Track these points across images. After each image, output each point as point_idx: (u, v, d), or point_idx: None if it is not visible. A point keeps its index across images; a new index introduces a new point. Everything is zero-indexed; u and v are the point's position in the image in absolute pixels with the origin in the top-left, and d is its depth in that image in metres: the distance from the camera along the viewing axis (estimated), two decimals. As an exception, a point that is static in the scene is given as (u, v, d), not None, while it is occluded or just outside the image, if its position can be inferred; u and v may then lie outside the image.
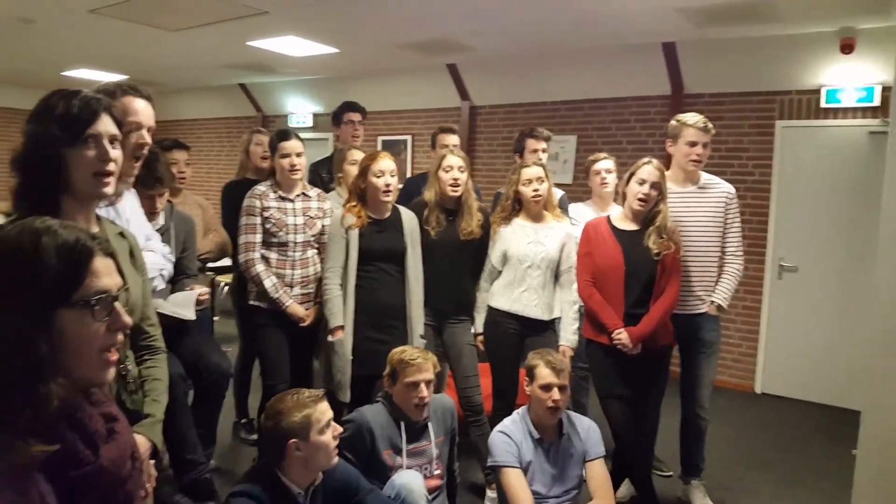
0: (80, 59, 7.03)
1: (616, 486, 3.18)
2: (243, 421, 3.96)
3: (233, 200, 3.68)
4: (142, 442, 1.56)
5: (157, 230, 2.80)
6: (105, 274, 1.08)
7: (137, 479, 1.18)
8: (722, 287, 3.20)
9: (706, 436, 3.32)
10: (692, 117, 3.14)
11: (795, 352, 5.18)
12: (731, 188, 3.24)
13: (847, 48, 4.61)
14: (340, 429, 2.18)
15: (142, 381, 1.71)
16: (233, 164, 4.06)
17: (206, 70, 7.50)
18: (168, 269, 2.56)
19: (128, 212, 2.06)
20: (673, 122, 3.20)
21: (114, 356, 1.09)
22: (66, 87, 1.54)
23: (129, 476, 1.14)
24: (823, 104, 4.93)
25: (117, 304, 1.09)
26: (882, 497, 2.45)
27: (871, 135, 4.74)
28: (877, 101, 4.70)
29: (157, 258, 2.46)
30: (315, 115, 8.18)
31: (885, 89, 4.63)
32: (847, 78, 4.81)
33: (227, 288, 6.39)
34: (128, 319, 1.11)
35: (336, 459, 2.16)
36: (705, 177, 3.24)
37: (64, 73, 7.70)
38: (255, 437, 3.79)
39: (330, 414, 2.14)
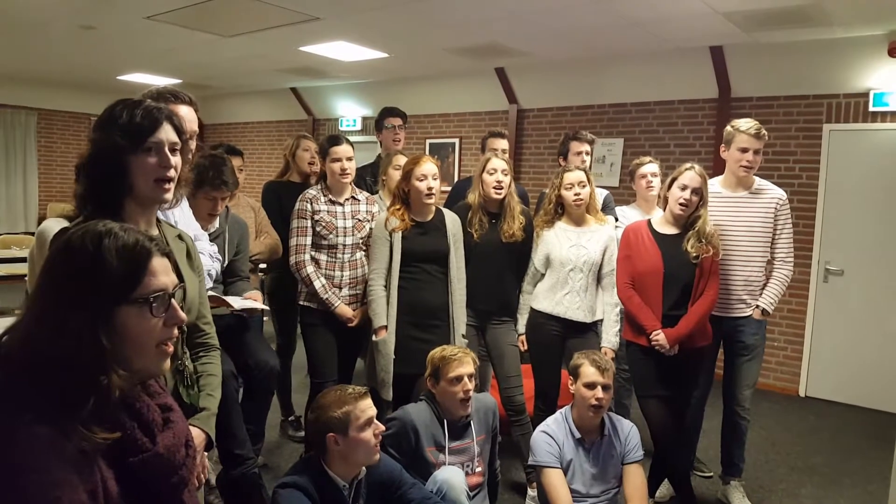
0: (135, 63, 7.27)
1: (655, 486, 3.24)
2: (291, 419, 4.06)
3: (274, 200, 3.83)
4: (197, 434, 1.64)
5: (213, 233, 2.92)
6: (162, 273, 1.14)
7: (191, 466, 1.24)
8: (769, 292, 3.22)
9: (746, 437, 3.34)
10: (746, 123, 3.15)
11: (841, 355, 5.13)
12: (782, 193, 3.24)
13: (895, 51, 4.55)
14: (383, 427, 2.23)
15: (197, 376, 1.78)
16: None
17: (258, 74, 7.70)
18: (215, 269, 2.64)
19: (176, 214, 2.13)
20: (728, 128, 3.22)
21: (170, 348, 1.17)
22: (121, 91, 1.64)
23: (182, 463, 1.20)
24: (871, 107, 4.88)
25: (173, 301, 1.16)
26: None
27: (921, 138, 4.68)
28: (926, 105, 4.64)
29: (205, 259, 2.57)
30: (364, 119, 8.33)
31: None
32: (895, 81, 4.75)
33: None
34: (183, 315, 1.17)
35: (377, 457, 2.22)
36: (758, 182, 3.25)
37: (119, 78, 7.95)
38: (302, 434, 3.89)
39: (371, 413, 2.19)
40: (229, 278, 3.04)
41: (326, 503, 2.15)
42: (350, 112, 8.50)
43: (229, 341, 2.61)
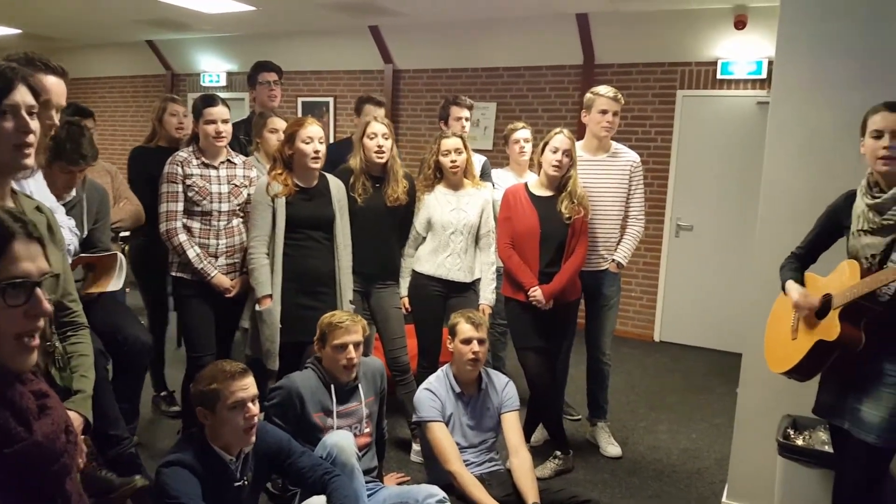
0: (-37, 10, 6.45)
1: (530, 432, 3.47)
2: (163, 394, 3.93)
3: (143, 167, 3.61)
4: (74, 417, 1.57)
5: (69, 202, 2.71)
6: (25, 259, 1.06)
7: (72, 452, 1.19)
8: (623, 247, 3.49)
9: (609, 380, 3.65)
10: (604, 88, 3.40)
11: (690, 303, 5.67)
12: (636, 157, 3.51)
13: (740, 24, 4.98)
14: (255, 411, 2.14)
15: (68, 357, 1.71)
16: (139, 125, 3.89)
17: (110, 26, 7.08)
18: (74, 244, 2.50)
19: (31, 185, 1.98)
20: (588, 95, 3.45)
21: (34, 342, 1.09)
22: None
23: (63, 450, 1.15)
24: (719, 76, 5.32)
25: (38, 290, 1.07)
26: (758, 427, 2.82)
27: (759, 105, 5.17)
28: (764, 74, 5.13)
29: (64, 233, 2.42)
30: (229, 74, 7.93)
31: (772, 63, 4.99)
32: (739, 52, 5.20)
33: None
34: (48, 306, 1.09)
35: (251, 440, 2.15)
36: (615, 146, 3.50)
37: (-56, 28, 7.05)
38: (176, 409, 3.80)
39: (244, 395, 2.09)
40: (90, 249, 2.81)
41: (213, 478, 2.10)
42: (213, 67, 8.04)
43: (95, 317, 2.47)
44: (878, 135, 2.03)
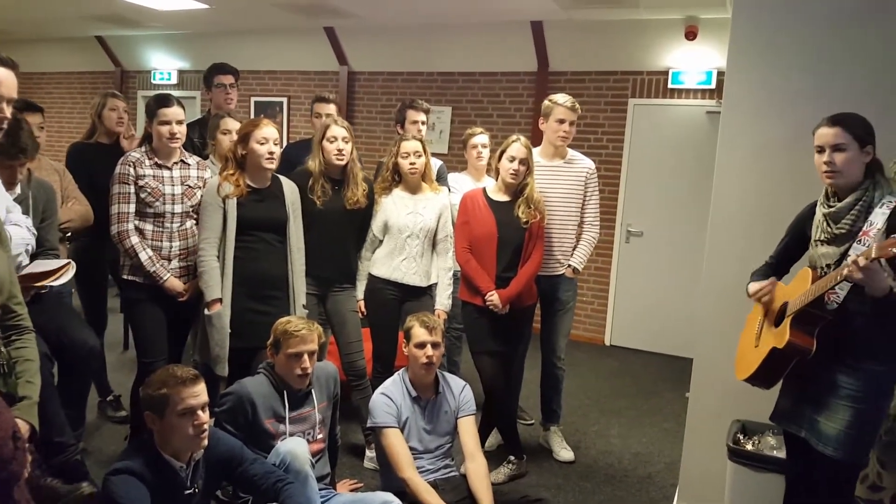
0: None
1: (485, 436, 3.47)
2: (109, 399, 3.83)
3: (82, 164, 3.55)
4: (21, 425, 1.53)
5: (15, 199, 2.62)
6: None
7: (21, 458, 1.16)
8: (579, 252, 3.55)
9: (563, 385, 3.69)
10: (562, 97, 3.44)
11: (640, 308, 5.79)
12: (591, 164, 3.58)
13: (691, 35, 5.13)
14: (205, 419, 2.10)
15: (13, 362, 1.66)
16: (87, 122, 3.83)
17: (58, 21, 6.85)
18: (32, 243, 2.42)
19: None
20: (546, 102, 3.49)
21: None
22: None
23: (12, 456, 1.12)
24: (670, 85, 5.45)
25: None
26: (709, 431, 2.88)
27: (709, 114, 5.33)
28: (714, 85, 5.28)
29: (22, 232, 2.31)
30: (181, 72, 7.70)
31: (721, 74, 5.17)
32: (690, 62, 5.35)
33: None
34: None
35: (203, 445, 2.12)
36: (571, 153, 3.56)
37: None
38: (122, 413, 3.72)
39: (194, 402, 2.05)
40: (37, 249, 2.70)
41: (163, 486, 2.06)
42: (164, 64, 7.83)
43: (40, 319, 2.39)
44: (821, 150, 2.09)
